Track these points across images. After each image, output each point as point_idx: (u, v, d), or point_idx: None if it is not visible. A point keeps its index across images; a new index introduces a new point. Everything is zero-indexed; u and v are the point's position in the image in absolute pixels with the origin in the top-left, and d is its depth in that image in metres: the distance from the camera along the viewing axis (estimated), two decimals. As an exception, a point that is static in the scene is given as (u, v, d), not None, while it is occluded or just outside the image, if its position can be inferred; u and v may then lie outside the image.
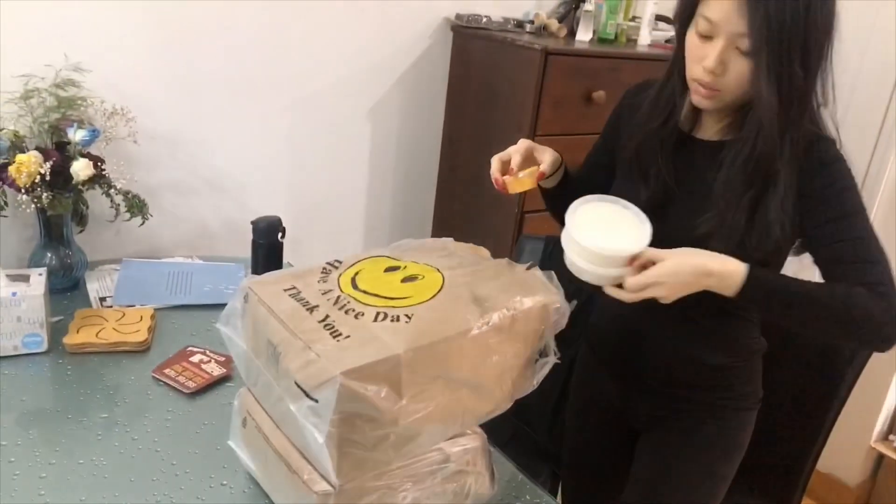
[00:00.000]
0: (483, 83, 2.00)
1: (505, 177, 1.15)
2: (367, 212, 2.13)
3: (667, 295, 0.99)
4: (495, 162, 1.17)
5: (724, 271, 0.98)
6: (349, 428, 0.81)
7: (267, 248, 1.47)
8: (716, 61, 0.99)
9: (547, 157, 1.18)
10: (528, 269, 1.02)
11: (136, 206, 1.55)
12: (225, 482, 1.05)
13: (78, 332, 1.34)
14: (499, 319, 0.91)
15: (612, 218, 1.06)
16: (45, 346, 1.30)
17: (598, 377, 1.32)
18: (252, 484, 1.04)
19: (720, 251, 1.01)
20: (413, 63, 2.04)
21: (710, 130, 1.12)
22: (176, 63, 1.68)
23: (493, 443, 1.17)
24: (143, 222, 1.58)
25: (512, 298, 0.94)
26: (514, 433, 1.69)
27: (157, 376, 1.27)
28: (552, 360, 1.02)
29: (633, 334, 1.22)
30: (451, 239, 1.11)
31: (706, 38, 1.01)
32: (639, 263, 0.99)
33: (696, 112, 1.13)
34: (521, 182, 1.16)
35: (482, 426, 1.02)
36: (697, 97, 1.05)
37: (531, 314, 0.95)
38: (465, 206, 2.13)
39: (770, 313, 1.05)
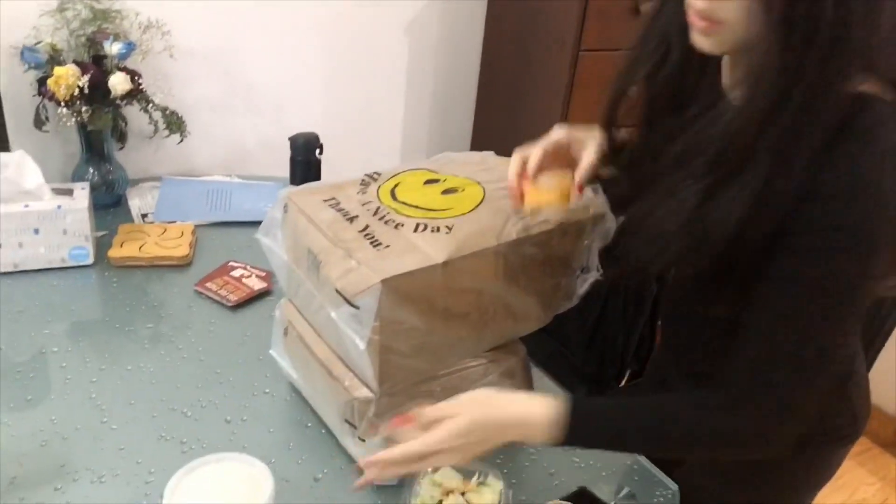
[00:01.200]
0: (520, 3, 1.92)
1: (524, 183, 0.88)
2: (404, 130, 2.10)
3: (457, 461, 0.79)
4: (515, 160, 0.89)
5: (531, 420, 0.78)
6: (389, 335, 0.81)
7: (305, 164, 1.46)
8: None
9: (587, 155, 0.89)
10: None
11: (175, 124, 1.54)
12: (267, 390, 1.07)
13: (122, 246, 1.36)
14: (539, 232, 0.89)
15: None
16: (90, 259, 1.32)
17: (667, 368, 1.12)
18: (293, 392, 1.06)
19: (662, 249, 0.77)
20: (452, -24, 1.96)
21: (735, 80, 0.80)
22: (210, -25, 1.63)
23: (532, 361, 1.18)
24: (182, 140, 1.58)
25: (553, 212, 0.91)
26: (551, 353, 1.70)
27: (200, 289, 1.29)
28: (594, 275, 0.99)
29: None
30: (492, 153, 1.08)
31: None
32: (417, 425, 0.79)
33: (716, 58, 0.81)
34: (541, 194, 0.87)
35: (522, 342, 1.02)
36: (694, 33, 0.75)
37: (574, 227, 0.93)
38: (504, 125, 2.08)
39: (609, 448, 0.86)
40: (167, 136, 1.56)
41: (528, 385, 1.01)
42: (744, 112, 0.71)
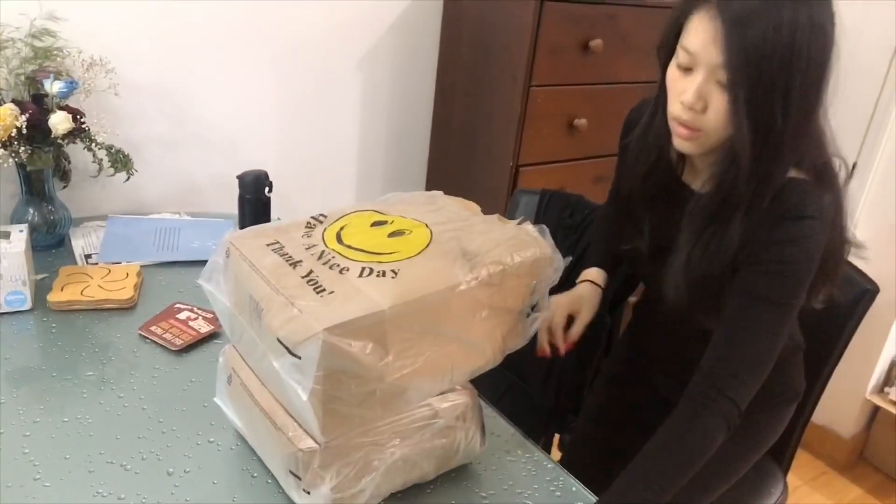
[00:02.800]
0: (476, 31, 1.94)
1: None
2: (359, 165, 2.09)
3: None
4: (543, 334, 1.26)
5: None
6: (334, 384, 0.79)
7: (254, 202, 1.43)
8: (694, 95, 0.92)
9: (584, 314, 1.27)
10: (520, 223, 0.99)
11: (121, 162, 1.51)
12: (212, 439, 1.03)
13: (62, 289, 1.32)
14: (488, 274, 0.88)
15: None
16: (28, 304, 1.28)
17: (637, 362, 1.38)
18: (239, 441, 1.02)
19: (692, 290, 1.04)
20: (404, 11, 1.97)
21: (700, 178, 1.07)
22: (158, 11, 1.61)
23: (486, 398, 1.16)
24: (129, 178, 1.54)
25: (502, 253, 0.91)
26: (508, 387, 1.69)
27: (144, 334, 1.25)
28: (546, 314, 1.00)
29: (668, 350, 1.28)
30: (440, 192, 1.07)
31: (686, 70, 0.94)
32: None
33: (684, 158, 1.08)
34: None
35: (476, 380, 1.01)
36: (678, 139, 0.98)
37: (522, 268, 0.92)
38: (459, 159, 2.09)
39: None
40: (113, 175, 1.52)
41: (480, 429, 1.00)
42: (716, 188, 0.99)
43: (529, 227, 0.97)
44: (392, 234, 0.93)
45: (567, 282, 1.58)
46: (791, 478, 2.18)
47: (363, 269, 0.86)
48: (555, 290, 1.52)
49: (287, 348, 0.79)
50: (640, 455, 0.99)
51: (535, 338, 1.55)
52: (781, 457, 1.51)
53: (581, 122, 1.91)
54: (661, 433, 1.00)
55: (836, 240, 1.03)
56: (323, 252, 0.89)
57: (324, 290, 0.82)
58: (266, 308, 0.83)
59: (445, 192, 1.08)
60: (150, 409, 1.09)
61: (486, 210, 1.04)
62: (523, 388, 1.66)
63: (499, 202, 1.90)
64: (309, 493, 0.85)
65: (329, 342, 0.76)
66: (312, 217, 0.97)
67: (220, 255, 0.93)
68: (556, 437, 1.63)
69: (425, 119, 2.15)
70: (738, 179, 0.95)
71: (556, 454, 1.59)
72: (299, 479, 0.85)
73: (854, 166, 2.02)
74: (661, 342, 1.31)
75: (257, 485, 0.96)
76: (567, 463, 1.43)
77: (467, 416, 0.96)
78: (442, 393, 0.94)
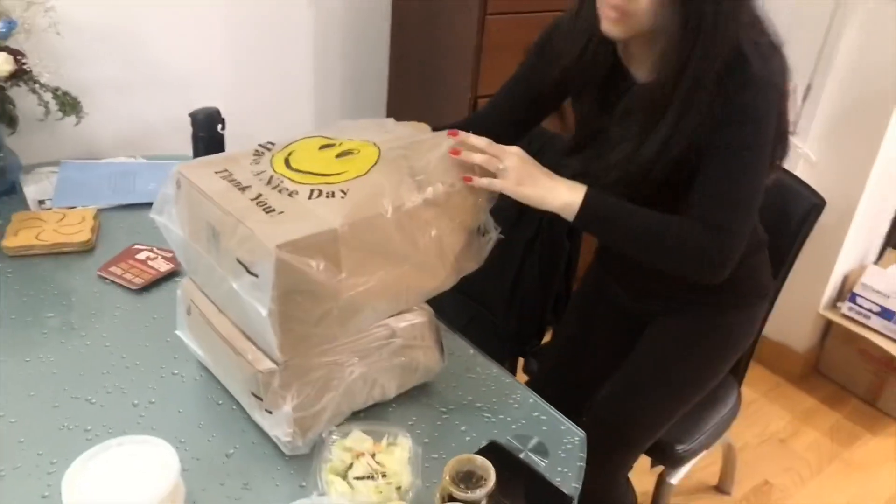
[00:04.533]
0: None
1: None
2: (316, 103, 2.07)
3: (512, 174, 0.98)
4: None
5: (571, 184, 1.01)
6: (290, 303, 0.81)
7: (207, 140, 1.42)
8: None
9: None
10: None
11: (68, 105, 1.47)
12: (176, 371, 1.05)
13: (17, 234, 1.30)
14: (433, 194, 0.90)
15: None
16: (-18, 251, 1.26)
17: (605, 283, 1.39)
18: (203, 371, 1.04)
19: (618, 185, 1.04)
20: (354, -58, 1.92)
21: (642, 69, 1.08)
22: (95, -54, 1.56)
23: (451, 326, 1.19)
24: (79, 122, 1.51)
25: (448, 171, 0.92)
26: (473, 316, 1.72)
27: (104, 275, 1.25)
28: (494, 236, 1.01)
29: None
30: (391, 119, 1.07)
31: None
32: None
33: (627, 48, 1.09)
34: None
35: (440, 309, 1.03)
36: (606, 22, 0.99)
37: (465, 188, 0.94)
38: (418, 93, 2.07)
39: (604, 237, 1.08)
40: (61, 118, 1.49)
41: (438, 346, 1.02)
42: (660, 79, 1.00)
43: (473, 138, 0.98)
44: (340, 155, 0.94)
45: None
46: (747, 391, 2.27)
47: (312, 190, 0.87)
48: (515, 214, 1.57)
49: (245, 267, 0.80)
50: (639, 210, 1.03)
51: (496, 265, 1.61)
52: (736, 368, 1.57)
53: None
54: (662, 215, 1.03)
55: (784, 105, 1.05)
56: (272, 177, 0.90)
57: (273, 210, 0.83)
58: (222, 231, 0.84)
59: (393, 120, 1.08)
60: (113, 346, 1.09)
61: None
62: (487, 317, 1.69)
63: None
64: (271, 412, 0.87)
65: (282, 259, 0.77)
66: (260, 145, 0.97)
67: (170, 186, 0.93)
68: (521, 361, 1.67)
69: (382, 53, 2.12)
70: (686, 64, 0.96)
71: (522, 378, 1.64)
72: (260, 399, 0.87)
73: (809, 87, 2.05)
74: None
75: (222, 411, 0.98)
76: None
77: (425, 334, 0.99)
78: (399, 313, 0.96)
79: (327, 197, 0.85)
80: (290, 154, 0.94)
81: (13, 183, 1.50)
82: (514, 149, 1.00)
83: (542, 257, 1.59)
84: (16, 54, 1.36)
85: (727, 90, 0.98)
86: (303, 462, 0.90)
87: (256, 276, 0.79)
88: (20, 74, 1.36)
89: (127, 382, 1.02)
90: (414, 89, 2.08)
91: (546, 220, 1.57)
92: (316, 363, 0.88)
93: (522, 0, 1.83)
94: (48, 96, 1.44)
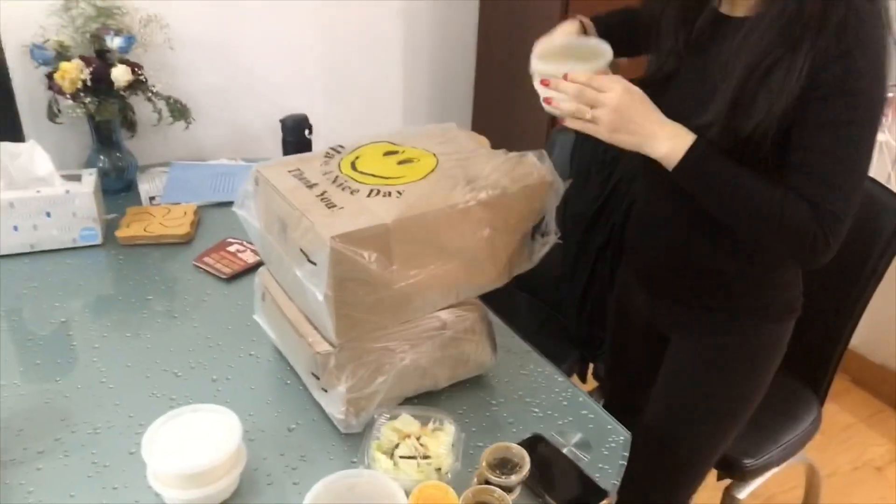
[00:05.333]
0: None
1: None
2: (404, 105, 2.16)
3: (605, 121, 0.93)
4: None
5: (674, 131, 0.93)
6: (344, 290, 0.88)
7: (296, 144, 1.53)
8: None
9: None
10: (522, 155, 1.03)
11: (178, 111, 1.64)
12: (252, 352, 1.15)
13: (128, 226, 1.46)
14: (487, 196, 0.95)
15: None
16: (100, 239, 1.43)
17: (629, 284, 1.31)
18: (275, 353, 1.14)
19: (709, 128, 0.94)
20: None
21: (743, 5, 0.99)
22: (207, -31, 1.72)
23: (524, 328, 1.23)
24: (188, 126, 1.67)
25: (501, 178, 0.97)
26: (545, 319, 1.75)
27: (198, 264, 1.38)
28: (552, 239, 1.05)
29: (661, 242, 1.16)
30: (453, 124, 1.13)
31: None
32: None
33: None
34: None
35: (516, 311, 1.07)
36: None
37: (522, 192, 0.98)
38: (502, 100, 2.12)
39: (702, 196, 0.97)
40: (172, 124, 1.65)
41: (490, 341, 1.07)
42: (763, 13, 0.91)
43: (530, 155, 1.02)
44: (401, 162, 1.01)
45: (600, 214, 1.63)
46: (844, 415, 2.17)
47: (371, 190, 0.94)
48: (592, 222, 1.59)
49: (306, 255, 0.88)
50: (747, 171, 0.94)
51: (570, 269, 1.63)
52: (817, 384, 1.52)
53: (623, 60, 1.90)
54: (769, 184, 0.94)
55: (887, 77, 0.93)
56: (337, 177, 0.98)
57: (334, 206, 0.91)
58: (289, 224, 0.93)
59: (490, 132, 1.14)
60: (200, 327, 1.21)
61: (527, 147, 1.07)
62: (559, 321, 1.72)
63: (539, 141, 1.93)
64: (326, 391, 0.95)
65: (336, 249, 0.85)
66: (331, 148, 1.06)
67: (250, 183, 1.03)
68: (592, 366, 1.68)
69: (469, 60, 2.19)
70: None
71: (593, 383, 1.66)
72: (318, 378, 0.95)
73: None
74: (661, 238, 1.16)
75: (289, 390, 1.07)
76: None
77: (476, 329, 1.04)
78: (451, 307, 1.01)
79: (384, 196, 0.92)
80: (356, 158, 1.02)
81: (131, 181, 1.67)
82: (615, 90, 0.93)
83: (614, 263, 1.60)
84: (134, 66, 1.53)
85: (839, 47, 0.87)
86: (356, 440, 0.97)
87: (315, 264, 0.87)
88: (137, 85, 1.53)
89: (209, 360, 1.13)
90: (499, 91, 2.14)
91: (618, 225, 1.58)
92: (369, 348, 0.95)
93: (603, 1, 1.85)
94: (161, 104, 1.61)
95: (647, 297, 1.24)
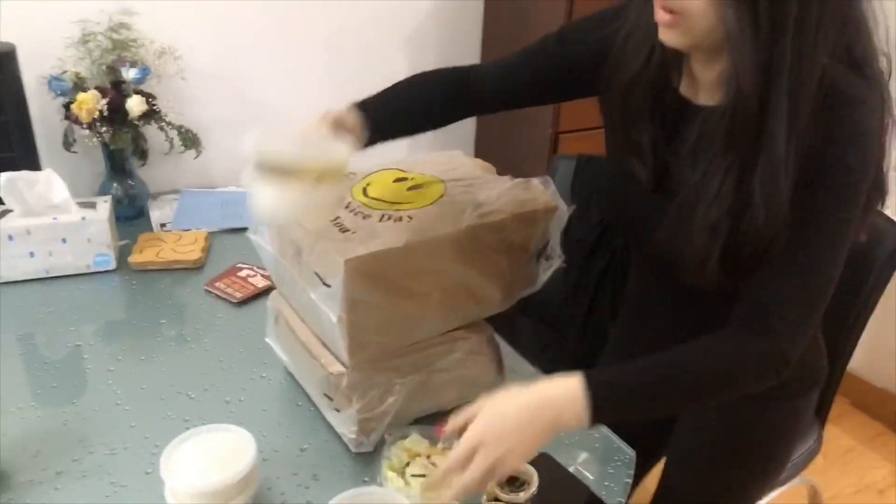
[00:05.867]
0: (519, 8, 2.01)
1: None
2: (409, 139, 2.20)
3: (506, 453, 0.76)
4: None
5: (560, 394, 0.78)
6: (357, 312, 0.91)
7: (305, 172, 1.57)
8: None
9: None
10: (526, 181, 1.07)
11: (189, 140, 1.68)
12: (264, 375, 1.18)
13: (141, 252, 1.50)
14: (494, 220, 0.98)
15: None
16: (113, 265, 1.46)
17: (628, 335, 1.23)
18: (287, 376, 1.16)
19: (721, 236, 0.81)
20: (448, -9, 2.07)
21: (707, 92, 0.87)
22: (218, 4, 1.78)
23: (526, 351, 1.24)
24: (198, 155, 1.72)
25: (507, 202, 1.00)
26: (548, 343, 1.78)
27: (209, 289, 1.41)
28: (556, 262, 1.08)
29: (652, 325, 1.09)
30: (460, 152, 1.17)
31: None
32: (450, 432, 0.80)
33: (690, 70, 0.89)
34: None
35: (518, 334, 1.09)
36: (661, 28, 0.80)
37: (527, 216, 1.02)
38: (504, 130, 2.17)
39: (646, 413, 0.87)
40: (183, 152, 1.70)
41: (496, 362, 1.10)
42: (739, 102, 0.77)
43: (535, 181, 1.06)
44: (411, 188, 1.04)
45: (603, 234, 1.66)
46: (845, 437, 2.18)
47: (383, 215, 0.97)
48: (592, 244, 1.62)
49: (320, 278, 0.92)
50: (657, 358, 0.83)
51: (571, 291, 1.66)
52: (818, 408, 1.54)
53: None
54: (690, 347, 0.83)
55: (881, 145, 0.83)
56: (349, 203, 1.01)
57: (347, 230, 0.94)
58: (304, 247, 0.96)
59: (494, 161, 1.18)
60: (212, 351, 1.24)
61: (531, 164, 1.09)
62: (562, 344, 1.74)
63: (540, 167, 1.98)
64: (339, 411, 0.98)
65: (350, 271, 0.88)
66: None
67: (263, 210, 1.07)
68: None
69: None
70: (740, 81, 0.75)
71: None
72: (331, 399, 0.98)
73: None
74: (666, 319, 1.07)
75: (301, 411, 1.10)
76: None
77: (483, 350, 1.07)
78: (458, 328, 1.04)
79: (395, 221, 0.96)
80: (367, 185, 1.06)
81: (142, 208, 1.71)
82: (472, 430, 0.77)
83: (616, 287, 1.63)
84: (148, 97, 1.57)
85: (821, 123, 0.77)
86: (367, 459, 0.99)
87: (329, 286, 0.91)
88: (150, 115, 1.57)
89: (221, 382, 1.16)
90: (499, 126, 2.18)
91: (619, 249, 1.62)
92: (380, 368, 0.98)
93: (608, 0, 1.91)
94: (173, 133, 1.65)
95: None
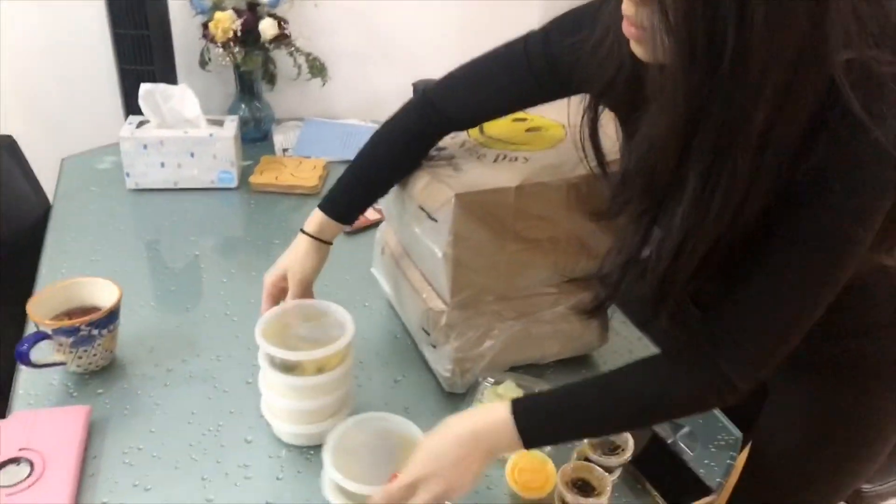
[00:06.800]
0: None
1: None
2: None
3: (447, 488, 0.74)
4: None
5: (492, 422, 0.76)
6: (463, 250, 0.89)
7: (425, 108, 1.55)
8: None
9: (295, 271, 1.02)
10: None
11: (316, 68, 1.70)
12: (367, 304, 1.19)
13: (262, 174, 1.54)
14: (610, 171, 0.92)
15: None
16: (235, 183, 1.51)
17: None
18: (389, 308, 1.17)
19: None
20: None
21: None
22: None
23: (636, 313, 1.19)
24: (324, 84, 1.73)
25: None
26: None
27: (322, 216, 1.43)
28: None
29: None
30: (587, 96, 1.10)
31: None
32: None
33: None
34: None
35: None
36: (631, 42, 0.67)
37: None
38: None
39: (580, 435, 0.84)
40: (309, 80, 1.71)
41: (602, 322, 1.05)
42: (652, 139, 0.66)
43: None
44: (530, 130, 1.00)
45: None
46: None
47: (498, 155, 0.94)
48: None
49: (426, 212, 0.90)
50: (594, 381, 0.81)
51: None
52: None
53: None
54: (627, 369, 0.80)
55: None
56: (465, 141, 0.98)
57: (461, 168, 0.91)
58: (412, 182, 0.95)
59: None
60: (321, 277, 1.26)
61: None
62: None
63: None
64: (435, 347, 0.97)
65: (460, 205, 0.85)
66: (462, 112, 1.06)
67: (380, 140, 1.06)
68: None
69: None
70: (654, 121, 0.66)
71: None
72: (428, 334, 0.97)
73: None
74: None
75: (399, 343, 1.10)
76: None
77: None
78: (567, 282, 1.00)
79: (510, 161, 0.92)
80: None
81: (267, 131, 1.75)
82: (415, 462, 0.76)
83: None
84: (280, 21, 1.59)
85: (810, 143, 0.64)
86: (459, 400, 0.98)
87: (436, 220, 0.89)
88: (281, 39, 1.59)
89: (325, 307, 1.18)
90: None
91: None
92: (481, 310, 0.96)
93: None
94: (301, 59, 1.67)
95: None
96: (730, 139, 0.62)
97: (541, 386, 0.95)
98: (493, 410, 0.77)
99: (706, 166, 0.63)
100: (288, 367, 0.86)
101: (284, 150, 1.69)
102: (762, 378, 0.74)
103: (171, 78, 1.60)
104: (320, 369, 0.86)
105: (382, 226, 1.13)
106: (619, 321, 1.17)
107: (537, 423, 0.77)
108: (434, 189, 0.89)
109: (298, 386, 0.86)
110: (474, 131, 1.01)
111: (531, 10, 2.01)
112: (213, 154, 1.47)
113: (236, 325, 1.12)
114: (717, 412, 1.01)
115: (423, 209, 0.91)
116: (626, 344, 1.13)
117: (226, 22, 1.50)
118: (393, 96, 1.96)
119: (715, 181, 0.64)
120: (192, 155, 1.46)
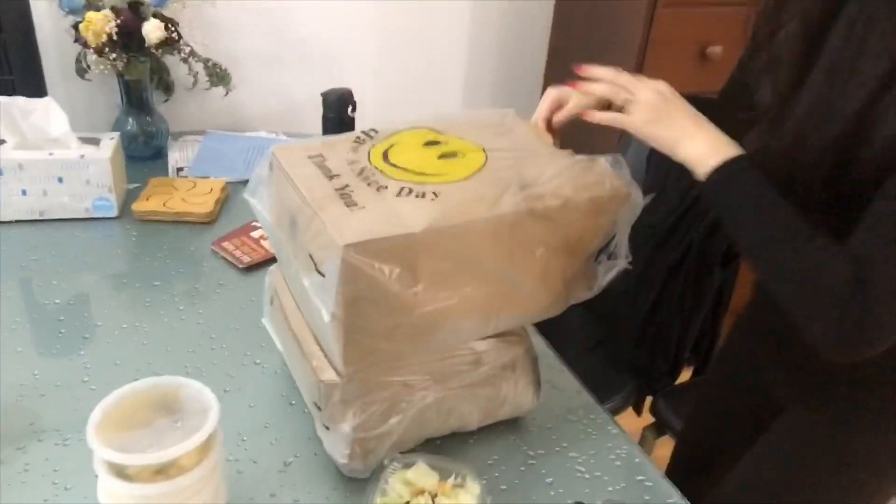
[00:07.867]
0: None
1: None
2: (465, 91, 1.98)
3: (642, 107, 0.81)
4: (546, 102, 0.92)
5: (717, 137, 0.79)
6: (356, 311, 0.71)
7: (337, 122, 1.37)
8: None
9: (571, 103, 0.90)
10: (591, 158, 0.84)
11: (217, 76, 1.50)
12: (258, 360, 1.00)
13: (148, 199, 1.33)
14: (544, 206, 0.76)
15: None
16: (115, 211, 1.30)
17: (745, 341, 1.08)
18: (284, 366, 0.98)
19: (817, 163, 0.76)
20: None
21: None
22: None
23: (574, 351, 1.04)
24: (227, 93, 1.53)
25: (564, 184, 0.78)
26: (601, 340, 1.55)
27: (216, 249, 1.23)
28: (622, 263, 0.85)
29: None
30: (512, 111, 0.94)
31: None
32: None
33: None
34: None
35: (567, 326, 0.88)
36: None
37: (588, 204, 0.79)
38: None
39: (728, 217, 0.79)
40: (209, 89, 1.51)
41: (534, 381, 0.89)
42: None
43: (602, 159, 0.82)
44: (443, 156, 0.83)
45: (675, 230, 1.42)
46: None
47: (402, 188, 0.76)
48: (659, 237, 1.39)
49: (315, 264, 0.72)
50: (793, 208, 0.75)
51: (632, 292, 1.43)
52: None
53: (715, 49, 1.68)
54: (815, 233, 0.74)
55: None
56: (364, 168, 0.80)
57: (355, 204, 0.73)
58: (300, 221, 0.77)
59: (514, 111, 0.94)
60: (205, 324, 1.07)
61: (599, 144, 0.89)
62: (615, 344, 1.52)
63: (610, 141, 1.72)
64: (328, 428, 0.79)
65: (349, 261, 0.68)
66: (363, 132, 0.88)
67: (264, 167, 0.87)
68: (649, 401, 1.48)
69: (540, 48, 1.98)
70: None
71: (647, 419, 1.46)
72: (320, 411, 0.79)
73: None
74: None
75: (293, 413, 0.92)
76: (672, 466, 1.24)
77: (517, 366, 0.86)
78: (489, 337, 0.84)
79: (417, 197, 0.75)
80: (390, 146, 0.85)
81: (160, 148, 1.54)
82: (656, 83, 0.83)
83: (687, 287, 1.39)
84: (168, 22, 1.38)
85: None
86: (362, 486, 0.80)
87: (323, 275, 0.71)
88: (170, 43, 1.38)
89: (208, 365, 0.99)
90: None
91: (696, 243, 1.37)
92: (384, 381, 0.78)
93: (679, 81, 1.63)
94: (199, 66, 1.47)
95: (767, 361, 1.01)
96: None
97: (460, 468, 0.78)
98: (726, 145, 0.78)
99: None
100: (125, 473, 0.67)
101: (179, 170, 1.48)
102: (864, 352, 0.71)
103: (38, 89, 1.38)
104: (164, 473, 0.67)
105: (273, 269, 0.95)
106: (554, 370, 1.01)
107: (730, 177, 0.77)
108: (322, 234, 0.71)
109: (139, 496, 0.67)
110: (377, 157, 0.83)
111: (462, 15, 1.86)
112: (85, 179, 1.25)
113: (95, 396, 0.91)
114: (666, 481, 0.86)
115: (311, 258, 0.73)
116: (563, 399, 0.98)
117: (98, 23, 1.29)
118: (308, 104, 1.78)
119: None
120: (61, 180, 1.25)
